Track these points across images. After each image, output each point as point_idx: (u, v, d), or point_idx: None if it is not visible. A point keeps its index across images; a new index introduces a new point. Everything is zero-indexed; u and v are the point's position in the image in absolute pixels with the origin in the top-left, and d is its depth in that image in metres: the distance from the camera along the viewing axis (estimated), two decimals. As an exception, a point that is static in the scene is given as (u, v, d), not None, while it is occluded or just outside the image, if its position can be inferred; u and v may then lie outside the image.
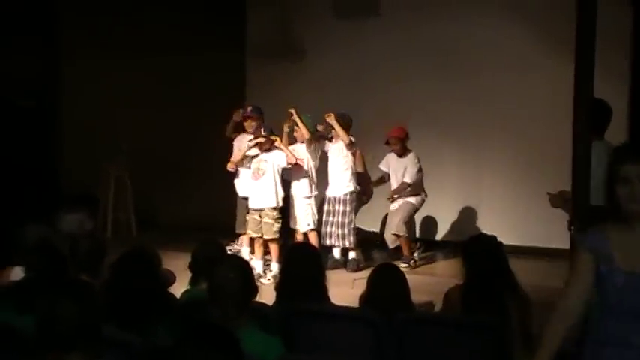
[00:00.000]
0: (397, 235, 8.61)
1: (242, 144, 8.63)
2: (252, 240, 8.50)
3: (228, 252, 7.95)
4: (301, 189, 8.46)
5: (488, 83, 9.64)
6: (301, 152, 8.45)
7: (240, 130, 8.93)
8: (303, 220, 8.47)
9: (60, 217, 10.68)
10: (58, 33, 10.84)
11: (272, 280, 7.89)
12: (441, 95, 9.89)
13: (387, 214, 8.97)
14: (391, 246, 8.76)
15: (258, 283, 7.71)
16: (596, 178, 5.43)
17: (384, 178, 8.88)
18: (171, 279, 5.00)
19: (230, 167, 8.61)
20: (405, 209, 8.64)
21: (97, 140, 10.66)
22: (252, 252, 8.49)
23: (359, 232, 8.75)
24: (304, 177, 8.43)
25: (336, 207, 8.47)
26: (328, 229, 8.46)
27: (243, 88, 11.30)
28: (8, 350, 3.03)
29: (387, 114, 10.23)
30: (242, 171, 8.62)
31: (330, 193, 8.60)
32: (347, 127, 8.43)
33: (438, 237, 9.71)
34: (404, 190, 8.62)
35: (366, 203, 9.00)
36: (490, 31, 9.57)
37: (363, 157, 8.90)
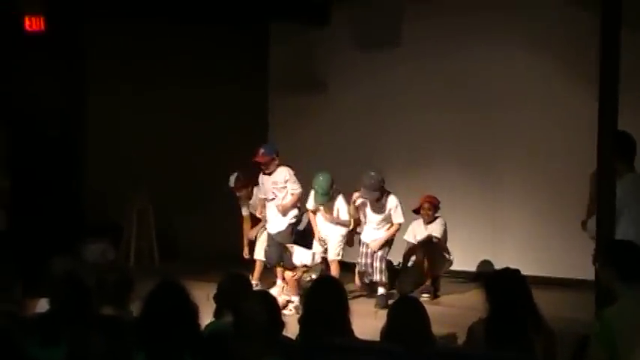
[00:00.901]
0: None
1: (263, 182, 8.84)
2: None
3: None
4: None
5: (510, 116, 9.67)
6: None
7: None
8: (334, 249, 8.55)
9: (83, 247, 10.84)
10: (84, 64, 10.96)
11: (294, 310, 7.92)
12: (463, 127, 9.94)
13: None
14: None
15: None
16: (632, 211, 5.44)
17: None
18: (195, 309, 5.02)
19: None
20: (433, 247, 8.68)
21: (120, 170, 10.74)
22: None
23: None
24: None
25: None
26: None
27: (266, 121, 11.39)
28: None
29: (409, 145, 10.30)
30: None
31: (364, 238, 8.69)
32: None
33: (459, 267, 9.65)
34: (431, 241, 8.65)
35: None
36: (512, 63, 9.62)
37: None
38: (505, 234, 9.77)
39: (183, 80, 10.87)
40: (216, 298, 4.62)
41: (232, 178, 9.04)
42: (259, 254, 9.02)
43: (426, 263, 8.68)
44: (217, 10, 10.06)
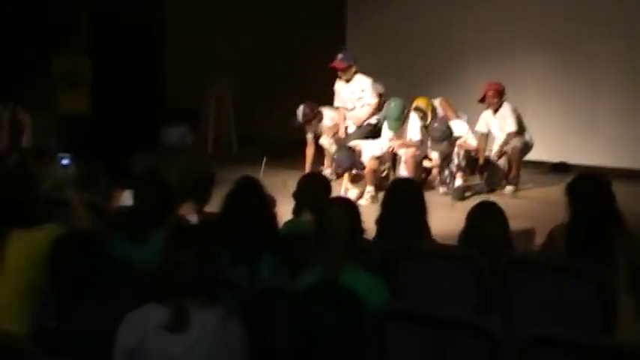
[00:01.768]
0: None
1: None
2: None
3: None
4: None
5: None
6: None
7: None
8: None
9: (164, 131, 11.06)
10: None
11: (370, 200, 7.97)
12: (551, 9, 9.53)
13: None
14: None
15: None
16: None
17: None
18: (272, 202, 5.10)
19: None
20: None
21: (200, 56, 10.78)
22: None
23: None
24: None
25: None
26: None
27: (344, 5, 11.16)
28: (127, 286, 3.18)
29: (487, 31, 9.97)
30: None
31: None
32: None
33: (544, 158, 9.46)
34: (512, 139, 8.47)
35: None
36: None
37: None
38: (598, 124, 9.50)
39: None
40: (295, 196, 4.63)
41: (299, 112, 8.90)
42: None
43: (516, 160, 8.49)
44: None
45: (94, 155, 5.58)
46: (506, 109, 8.55)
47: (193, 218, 4.49)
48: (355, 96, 8.66)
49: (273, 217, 4.10)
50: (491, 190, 8.50)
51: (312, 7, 10.93)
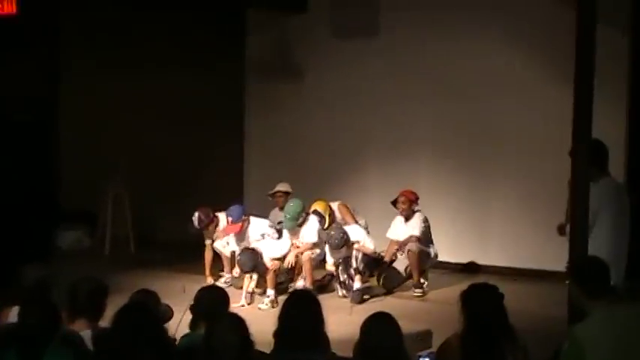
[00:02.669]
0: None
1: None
2: None
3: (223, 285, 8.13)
4: None
5: (488, 109, 9.60)
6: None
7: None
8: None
9: (58, 234, 10.78)
10: (57, 48, 10.83)
11: (269, 304, 7.98)
12: (440, 117, 9.88)
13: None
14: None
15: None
16: (609, 212, 5.51)
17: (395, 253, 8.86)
18: (168, 314, 5.01)
19: None
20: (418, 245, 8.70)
21: (95, 157, 10.66)
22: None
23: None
24: None
25: None
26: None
27: (243, 107, 11.33)
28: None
29: (386, 135, 10.26)
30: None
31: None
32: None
33: (446, 258, 9.57)
34: (414, 243, 8.63)
35: None
36: (489, 55, 9.54)
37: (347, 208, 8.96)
38: (490, 225, 9.74)
39: (159, 67, 10.77)
40: (192, 309, 4.59)
41: (194, 219, 8.93)
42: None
43: (413, 262, 8.62)
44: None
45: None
46: (417, 218, 8.73)
47: (87, 334, 4.36)
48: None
49: (162, 333, 4.04)
50: (389, 292, 8.60)
51: (212, 110, 11.03)
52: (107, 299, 4.67)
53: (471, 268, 9.64)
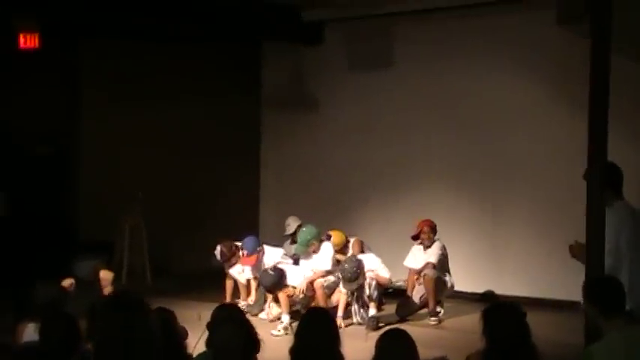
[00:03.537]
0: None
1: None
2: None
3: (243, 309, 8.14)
4: None
5: (502, 139, 9.66)
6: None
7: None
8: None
9: (76, 264, 10.84)
10: (78, 82, 10.99)
11: (282, 331, 7.97)
12: (454, 149, 9.94)
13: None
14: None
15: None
16: (622, 237, 5.47)
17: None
18: (184, 333, 5.03)
19: None
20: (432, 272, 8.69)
21: (113, 188, 10.74)
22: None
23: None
24: None
25: None
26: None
27: (258, 138, 11.42)
28: None
29: (400, 165, 10.30)
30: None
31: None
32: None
33: (461, 288, 9.56)
34: (431, 270, 8.64)
35: None
36: (502, 87, 9.62)
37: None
38: (505, 255, 9.75)
39: (176, 100, 10.91)
40: (209, 327, 4.60)
41: (217, 253, 9.09)
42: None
43: (428, 288, 8.61)
44: (210, 29, 10.09)
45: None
46: (435, 247, 8.76)
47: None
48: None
49: (182, 347, 4.05)
50: (404, 320, 8.57)
51: (228, 141, 11.13)
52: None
53: (487, 297, 9.58)
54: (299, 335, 4.25)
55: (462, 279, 9.22)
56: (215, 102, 10.91)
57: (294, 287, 8.47)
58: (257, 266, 8.90)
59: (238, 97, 11.08)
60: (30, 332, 4.72)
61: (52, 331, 4.04)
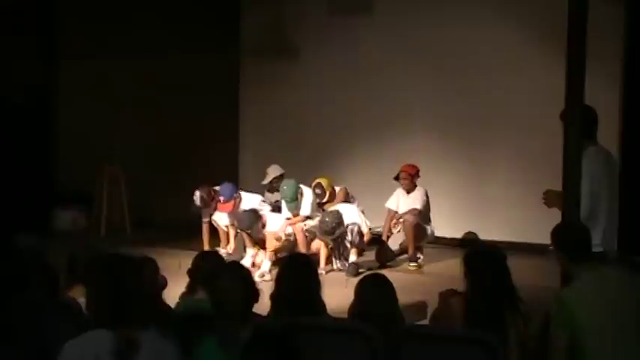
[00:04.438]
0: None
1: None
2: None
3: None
4: None
5: (483, 83, 9.65)
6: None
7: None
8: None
9: (54, 215, 10.79)
10: (56, 34, 10.85)
11: (259, 278, 7.97)
12: (437, 94, 9.92)
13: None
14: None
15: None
16: (597, 181, 5.52)
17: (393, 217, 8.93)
18: (162, 283, 5.05)
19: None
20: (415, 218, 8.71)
21: (91, 139, 10.65)
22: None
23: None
24: None
25: None
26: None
27: (238, 85, 11.33)
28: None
29: (382, 112, 10.28)
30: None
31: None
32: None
33: (444, 234, 9.61)
34: (413, 215, 8.66)
35: None
36: (485, 31, 9.59)
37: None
38: (485, 200, 9.81)
39: (155, 47, 10.76)
40: (190, 273, 4.63)
41: (196, 198, 9.04)
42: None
43: (409, 234, 8.67)
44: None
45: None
46: (418, 192, 8.78)
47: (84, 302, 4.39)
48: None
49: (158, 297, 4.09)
50: (384, 266, 8.64)
51: (207, 90, 11.04)
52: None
53: (467, 242, 9.65)
54: (279, 281, 4.27)
55: (442, 224, 9.28)
56: (194, 51, 10.77)
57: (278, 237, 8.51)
58: (234, 213, 8.91)
59: (218, 45, 10.95)
60: None
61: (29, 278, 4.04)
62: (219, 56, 10.97)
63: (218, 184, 9.09)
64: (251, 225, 8.52)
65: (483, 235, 9.59)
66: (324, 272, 8.11)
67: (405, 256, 8.78)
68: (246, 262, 8.67)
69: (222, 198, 8.90)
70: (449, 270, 7.46)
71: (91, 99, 10.71)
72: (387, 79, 10.15)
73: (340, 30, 10.39)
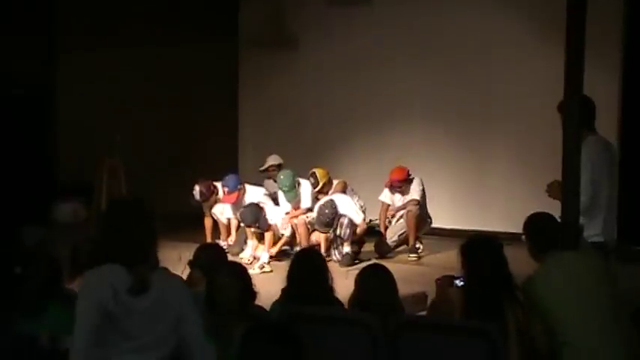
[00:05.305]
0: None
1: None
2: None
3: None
4: None
5: (483, 74, 9.65)
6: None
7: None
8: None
9: (54, 207, 10.79)
10: (55, 27, 10.83)
11: (257, 270, 8.01)
12: (436, 85, 9.92)
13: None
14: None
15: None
16: (596, 171, 5.54)
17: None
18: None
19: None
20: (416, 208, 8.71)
21: (91, 131, 10.66)
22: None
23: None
24: None
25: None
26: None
27: (237, 77, 11.33)
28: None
29: (382, 103, 10.29)
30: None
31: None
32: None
33: (443, 224, 9.68)
34: (414, 206, 8.66)
35: None
36: (484, 22, 9.59)
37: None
38: (489, 191, 9.83)
39: (154, 38, 10.77)
40: (191, 265, 4.65)
41: (196, 192, 9.09)
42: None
43: (411, 224, 8.67)
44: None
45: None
46: (415, 183, 8.78)
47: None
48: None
49: None
50: (383, 257, 8.66)
51: (206, 81, 11.05)
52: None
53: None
54: (292, 276, 4.30)
55: (441, 215, 9.28)
56: (193, 42, 10.79)
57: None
58: (237, 205, 8.92)
59: (216, 37, 10.96)
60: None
61: (35, 269, 4.06)
62: (218, 48, 10.98)
63: (218, 178, 9.10)
64: (255, 220, 8.51)
65: (483, 227, 9.60)
66: None
67: (405, 247, 8.79)
68: (246, 253, 8.72)
69: (226, 189, 8.91)
70: (449, 261, 7.46)
71: (90, 92, 10.72)
72: (387, 69, 10.15)
73: (340, 21, 10.38)
